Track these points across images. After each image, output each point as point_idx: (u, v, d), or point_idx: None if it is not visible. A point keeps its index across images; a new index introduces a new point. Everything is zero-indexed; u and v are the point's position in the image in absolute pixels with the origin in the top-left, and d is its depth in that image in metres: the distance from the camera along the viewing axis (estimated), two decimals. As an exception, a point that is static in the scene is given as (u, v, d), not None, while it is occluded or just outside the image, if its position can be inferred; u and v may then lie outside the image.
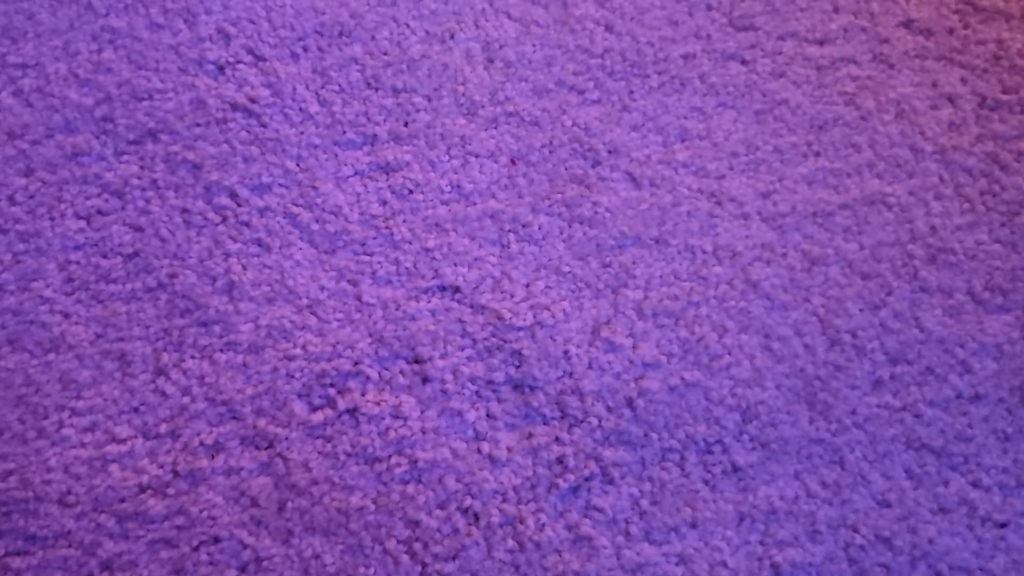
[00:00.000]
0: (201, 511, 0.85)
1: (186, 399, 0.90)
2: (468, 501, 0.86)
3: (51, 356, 0.91)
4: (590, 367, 0.92)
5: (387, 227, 0.98)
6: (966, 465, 0.88)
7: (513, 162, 1.02)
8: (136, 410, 0.89)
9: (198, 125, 1.02)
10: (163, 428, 0.88)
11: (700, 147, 1.03)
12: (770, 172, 1.01)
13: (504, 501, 0.86)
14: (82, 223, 0.97)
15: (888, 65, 1.07)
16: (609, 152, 1.02)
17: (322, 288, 0.95)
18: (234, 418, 0.89)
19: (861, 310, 0.95)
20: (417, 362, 0.92)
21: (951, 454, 0.89)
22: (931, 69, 1.07)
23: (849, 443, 0.89)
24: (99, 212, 0.98)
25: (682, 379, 0.91)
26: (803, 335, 0.94)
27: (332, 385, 0.91)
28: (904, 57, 1.08)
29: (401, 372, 0.91)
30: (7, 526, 0.84)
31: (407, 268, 0.96)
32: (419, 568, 0.84)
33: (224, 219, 0.98)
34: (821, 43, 1.08)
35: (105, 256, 0.96)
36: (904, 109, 1.05)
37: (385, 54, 1.07)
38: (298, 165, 1.01)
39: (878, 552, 0.85)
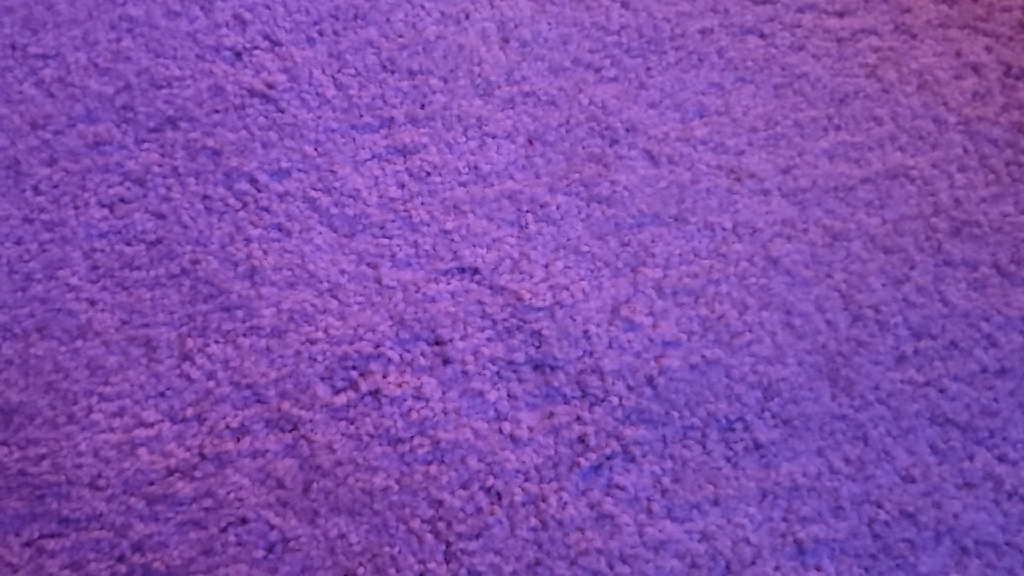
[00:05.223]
0: (228, 493, 0.87)
1: (211, 383, 0.91)
2: (490, 480, 0.87)
3: (78, 343, 0.93)
4: (610, 346, 0.92)
5: (405, 210, 0.98)
6: (992, 440, 0.88)
7: (530, 142, 1.01)
8: (162, 395, 0.91)
9: (217, 112, 1.03)
10: (189, 412, 0.90)
11: (719, 123, 1.02)
12: (790, 147, 1.00)
13: (526, 480, 0.87)
14: (105, 211, 0.98)
15: (910, 35, 1.05)
16: (627, 130, 1.01)
17: (342, 272, 0.96)
18: (259, 401, 0.90)
19: (884, 285, 0.94)
20: (438, 344, 0.92)
21: (976, 429, 0.88)
22: (954, 38, 1.05)
23: (872, 419, 0.88)
24: (122, 200, 0.99)
25: (703, 357, 0.91)
26: (825, 311, 0.93)
27: (354, 368, 0.91)
28: (927, 26, 1.06)
29: (422, 354, 0.92)
30: (41, 509, 0.86)
31: (426, 250, 0.96)
32: (443, 547, 0.85)
33: (244, 205, 0.99)
34: (841, 14, 1.07)
35: (129, 243, 0.97)
36: (927, 80, 1.03)
37: (400, 36, 1.07)
38: (316, 150, 1.01)
39: (902, 528, 0.85)
